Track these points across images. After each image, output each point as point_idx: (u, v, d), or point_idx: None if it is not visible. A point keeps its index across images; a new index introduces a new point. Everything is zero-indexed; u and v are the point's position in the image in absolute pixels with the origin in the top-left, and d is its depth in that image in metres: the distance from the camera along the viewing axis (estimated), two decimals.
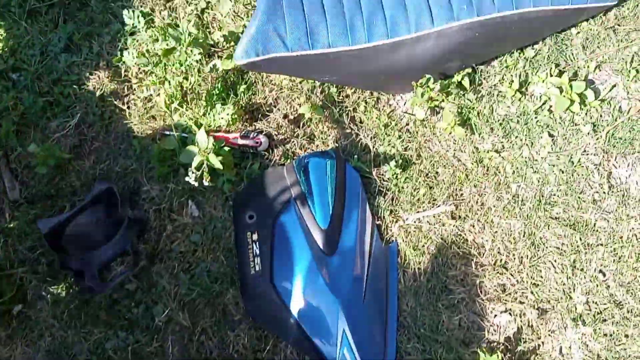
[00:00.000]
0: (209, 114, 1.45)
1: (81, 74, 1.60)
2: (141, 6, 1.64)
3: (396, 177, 1.35)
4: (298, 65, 1.32)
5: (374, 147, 1.39)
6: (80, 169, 1.50)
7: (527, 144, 1.36)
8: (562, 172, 1.33)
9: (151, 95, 1.55)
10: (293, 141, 1.44)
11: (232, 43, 1.41)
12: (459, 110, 1.39)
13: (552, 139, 1.35)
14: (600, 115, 1.36)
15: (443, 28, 1.27)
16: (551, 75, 1.35)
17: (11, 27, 1.70)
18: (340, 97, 1.45)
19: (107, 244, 1.41)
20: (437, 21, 1.27)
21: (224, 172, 1.32)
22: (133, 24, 1.59)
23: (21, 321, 1.39)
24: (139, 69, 1.57)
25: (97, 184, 1.41)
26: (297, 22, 1.27)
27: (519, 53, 1.42)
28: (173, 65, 1.40)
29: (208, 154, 1.22)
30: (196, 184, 1.20)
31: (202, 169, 1.22)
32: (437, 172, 1.37)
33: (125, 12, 1.59)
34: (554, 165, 1.33)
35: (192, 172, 1.19)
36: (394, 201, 1.35)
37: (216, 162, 1.22)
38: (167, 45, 1.39)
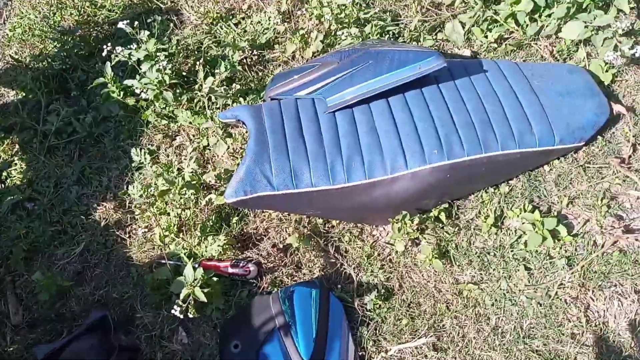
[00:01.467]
0: (202, 244, 1.74)
1: (89, 205, 1.94)
2: (149, 144, 2.02)
3: (379, 307, 1.56)
4: (284, 202, 1.62)
5: (357, 276, 1.63)
6: (81, 295, 1.77)
7: (504, 277, 1.57)
8: (540, 305, 1.53)
9: (151, 225, 1.85)
10: (281, 269, 1.70)
11: (227, 181, 1.74)
12: (438, 242, 1.63)
13: (529, 272, 1.57)
14: (575, 249, 1.59)
15: (416, 170, 1.56)
16: (525, 211, 1.61)
17: (31, 161, 2.09)
18: (326, 228, 1.73)
19: None
20: (411, 163, 1.57)
21: (212, 301, 1.56)
22: (140, 161, 1.95)
23: None
24: (142, 200, 1.90)
25: (93, 312, 1.66)
26: (282, 165, 1.59)
27: (494, 189, 1.70)
28: (172, 200, 1.72)
29: (194, 287, 1.48)
30: (181, 316, 1.43)
31: (188, 301, 1.46)
32: (419, 303, 1.58)
33: (133, 150, 1.97)
34: (531, 298, 1.53)
35: (178, 306, 1.44)
36: (377, 331, 1.55)
37: (201, 295, 1.47)
38: (164, 186, 1.71)
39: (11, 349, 1.71)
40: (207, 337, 1.63)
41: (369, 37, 2.07)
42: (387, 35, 2.09)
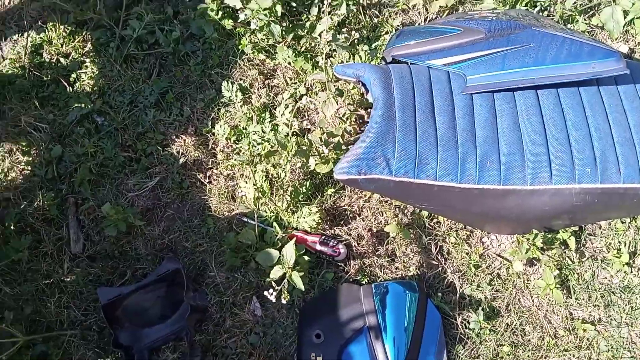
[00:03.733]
0: (292, 212, 1.52)
1: (167, 135, 1.71)
2: (241, 79, 1.75)
3: (480, 327, 1.38)
4: (397, 190, 1.38)
5: (460, 287, 1.44)
6: (149, 236, 1.59)
7: (627, 323, 1.38)
8: None
9: (234, 174, 1.63)
10: (373, 258, 1.50)
11: (330, 147, 1.48)
12: (558, 267, 1.42)
13: None
14: None
15: (561, 187, 1.31)
16: None
17: (105, 66, 1.83)
18: (431, 223, 1.51)
19: (163, 324, 1.48)
20: (557, 179, 1.31)
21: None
22: (229, 97, 1.69)
23: None
24: (227, 143, 1.67)
25: (165, 262, 1.49)
26: (407, 150, 1.34)
27: (632, 219, 1.45)
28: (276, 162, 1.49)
29: (292, 270, 1.28)
30: (274, 300, 1.25)
31: (282, 285, 1.28)
32: (524, 331, 1.40)
33: (224, 83, 1.70)
34: None
35: (273, 289, 1.25)
36: (472, 352, 1.38)
37: (299, 281, 1.28)
38: (261, 146, 1.47)
39: (68, 279, 1.56)
40: (283, 314, 1.47)
41: (515, 6, 1.72)
42: (536, 9, 1.73)
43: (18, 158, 1.74)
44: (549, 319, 1.41)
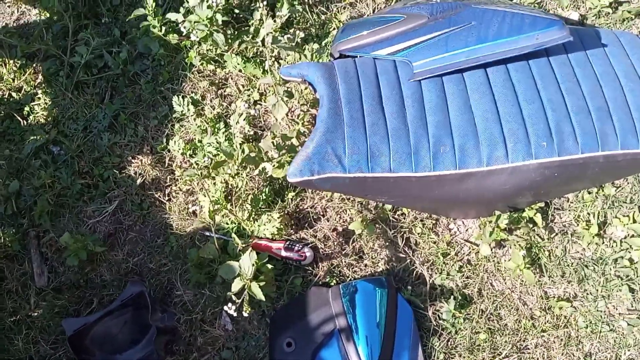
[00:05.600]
0: (253, 220, 1.49)
1: (123, 157, 1.68)
2: (192, 92, 1.72)
3: (454, 316, 1.34)
4: (354, 186, 1.34)
5: (430, 277, 1.40)
6: (113, 261, 1.55)
7: (603, 296, 1.34)
8: None
9: (193, 189, 1.60)
10: (340, 257, 1.46)
11: (284, 151, 1.45)
12: (528, 247, 1.38)
13: (633, 295, 1.33)
14: None
15: (518, 165, 1.28)
16: (635, 221, 1.34)
17: (57, 96, 1.81)
18: (396, 216, 1.47)
19: (133, 349, 1.45)
20: (513, 156, 1.28)
21: (265, 292, 1.34)
22: (182, 111, 1.66)
23: None
24: (184, 158, 1.64)
25: (129, 286, 1.45)
26: (358, 145, 1.31)
27: (598, 189, 1.42)
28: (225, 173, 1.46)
29: (251, 282, 1.25)
30: (235, 314, 1.22)
31: (243, 297, 1.24)
32: (500, 316, 1.36)
33: (175, 98, 1.67)
34: (634, 325, 1.30)
35: (232, 302, 1.22)
36: (449, 344, 1.35)
37: (258, 292, 1.24)
38: (218, 157, 1.44)
39: (35, 314, 1.52)
40: (254, 325, 1.43)
41: None
42: None
43: None
44: (524, 300, 1.37)
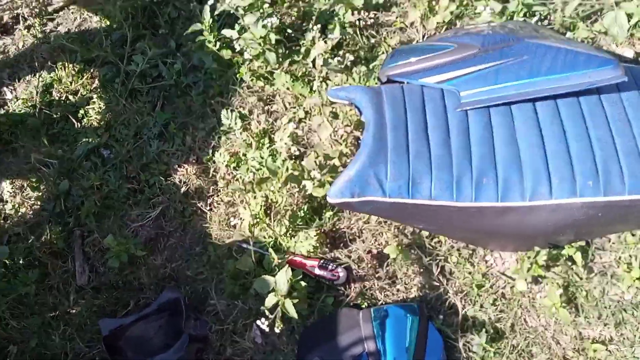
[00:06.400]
0: (290, 236, 1.52)
1: (170, 165, 1.74)
2: (240, 106, 1.78)
3: (484, 349, 1.33)
4: (393, 211, 1.36)
5: (463, 308, 1.39)
6: (152, 265, 1.61)
7: None
8: None
9: (234, 201, 1.65)
10: (373, 280, 1.47)
11: (325, 170, 1.48)
12: (565, 285, 1.36)
13: None
14: None
15: (562, 202, 1.27)
16: None
17: (111, 101, 1.89)
18: (432, 243, 1.48)
19: (165, 354, 1.48)
20: (557, 193, 1.27)
21: (298, 309, 1.36)
22: (229, 125, 1.72)
23: None
24: (228, 171, 1.69)
25: (166, 291, 1.50)
26: (400, 170, 1.32)
27: None
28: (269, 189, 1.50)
29: (285, 298, 1.27)
30: (267, 329, 1.24)
31: (276, 313, 1.27)
32: (531, 353, 1.34)
33: (224, 111, 1.73)
34: None
35: (265, 318, 1.24)
36: None
37: (292, 310, 1.26)
38: (260, 172, 1.48)
39: (74, 311, 1.58)
40: (283, 341, 1.45)
41: (512, 18, 1.71)
42: (535, 19, 1.71)
43: (28, 194, 1.80)
44: (557, 339, 1.35)
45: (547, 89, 1.34)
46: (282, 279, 1.29)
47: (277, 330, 1.25)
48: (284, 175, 1.40)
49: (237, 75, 1.80)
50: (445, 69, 1.47)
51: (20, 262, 1.64)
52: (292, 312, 1.27)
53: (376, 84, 1.67)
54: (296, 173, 1.42)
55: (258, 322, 1.25)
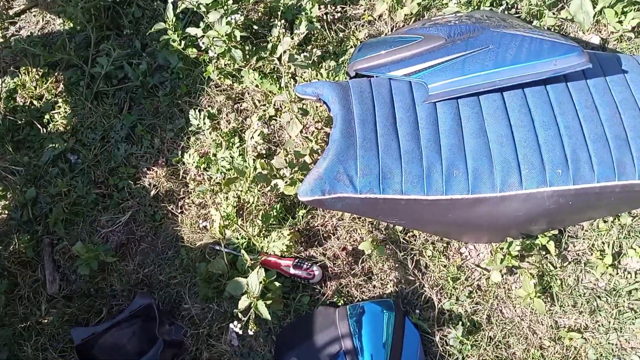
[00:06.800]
0: (264, 236, 1.49)
1: (138, 168, 1.69)
2: (209, 106, 1.73)
3: (461, 342, 1.32)
4: (365, 207, 1.33)
5: (439, 302, 1.38)
6: (124, 271, 1.56)
7: (615, 328, 1.30)
8: None
9: (205, 202, 1.61)
10: (349, 277, 1.45)
11: (296, 168, 1.44)
12: (540, 275, 1.35)
13: None
14: None
15: (532, 192, 1.25)
16: None
17: (77, 105, 1.83)
18: (406, 238, 1.46)
19: None
20: (527, 183, 1.25)
21: (272, 310, 1.33)
22: (198, 125, 1.67)
23: None
24: (198, 172, 1.64)
25: (138, 297, 1.46)
26: (370, 166, 1.30)
27: (614, 218, 1.38)
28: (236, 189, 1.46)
29: (258, 300, 1.24)
30: (240, 332, 1.21)
31: (249, 315, 1.23)
32: (508, 344, 1.33)
33: (192, 112, 1.68)
34: None
35: (238, 320, 1.21)
36: None
37: (265, 311, 1.23)
38: (230, 172, 1.44)
39: (46, 320, 1.53)
40: (260, 342, 1.42)
41: (479, 7, 1.69)
42: (501, 8, 1.69)
43: None
44: (534, 329, 1.34)
45: (513, 77, 1.32)
46: (254, 280, 1.26)
47: (250, 333, 1.22)
48: (252, 175, 1.36)
49: (205, 74, 1.75)
50: (413, 62, 1.44)
51: None
52: (265, 314, 1.24)
53: (345, 78, 1.64)
54: (265, 172, 1.38)
55: (231, 325, 1.22)
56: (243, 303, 1.26)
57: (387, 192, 1.30)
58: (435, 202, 1.29)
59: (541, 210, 1.27)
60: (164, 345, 1.38)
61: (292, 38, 1.62)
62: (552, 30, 1.66)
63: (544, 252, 1.36)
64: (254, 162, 1.50)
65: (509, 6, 1.71)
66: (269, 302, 1.26)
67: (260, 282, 1.27)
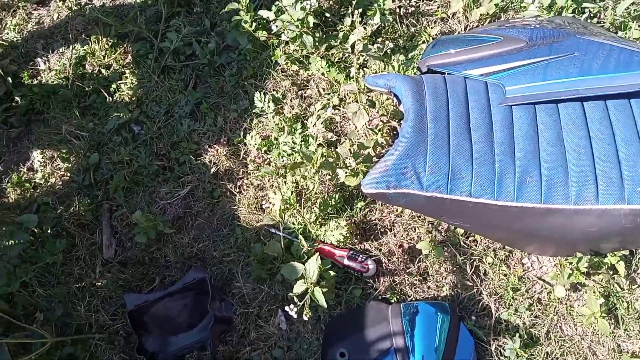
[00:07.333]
0: (320, 224, 1.46)
1: (200, 145, 1.68)
2: (274, 90, 1.70)
3: (517, 355, 1.26)
4: (429, 205, 1.28)
5: (496, 311, 1.32)
6: (179, 244, 1.55)
7: None
8: None
9: (263, 184, 1.58)
10: (403, 275, 1.41)
11: (359, 159, 1.40)
12: (605, 294, 1.28)
13: None
14: None
15: (608, 208, 1.18)
16: None
17: (143, 77, 1.83)
18: (467, 242, 1.40)
19: (188, 333, 1.44)
20: (603, 198, 1.18)
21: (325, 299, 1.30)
22: (262, 107, 1.65)
23: None
24: (258, 154, 1.62)
25: (192, 270, 1.45)
26: (439, 164, 1.25)
27: None
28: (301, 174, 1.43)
29: (314, 286, 1.21)
30: (295, 316, 1.19)
31: (304, 300, 1.21)
32: None
33: (257, 94, 1.66)
34: None
35: (294, 305, 1.19)
36: None
37: (321, 298, 1.20)
38: (292, 157, 1.42)
39: (99, 283, 1.54)
40: (308, 329, 1.39)
41: (560, 13, 1.61)
42: (584, 16, 1.61)
43: (58, 164, 1.75)
44: (594, 350, 1.27)
45: (599, 88, 1.25)
46: (312, 266, 1.23)
47: (305, 318, 1.19)
48: (318, 161, 1.33)
49: (273, 58, 1.72)
50: (491, 62, 1.38)
51: (49, 231, 1.60)
52: (322, 301, 1.21)
53: (415, 73, 1.59)
54: (330, 160, 1.34)
55: (286, 308, 1.19)
56: (299, 287, 1.24)
57: (455, 192, 1.25)
58: (504, 208, 1.24)
59: (616, 228, 1.20)
60: (214, 320, 1.37)
61: (365, 28, 1.58)
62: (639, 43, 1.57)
63: (612, 272, 1.29)
64: (318, 149, 1.47)
65: (592, 15, 1.63)
66: (324, 290, 1.23)
67: (318, 269, 1.24)
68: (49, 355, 1.39)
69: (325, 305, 1.21)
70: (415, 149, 1.26)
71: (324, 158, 1.34)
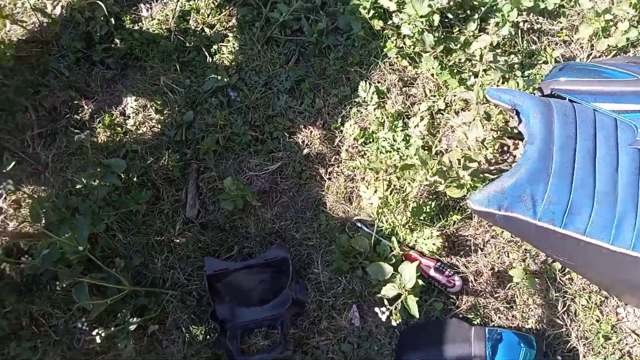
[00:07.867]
0: (411, 229, 1.40)
1: (295, 123, 1.63)
2: (379, 82, 1.64)
3: None
4: (537, 236, 1.21)
5: (584, 356, 1.26)
6: (261, 218, 1.52)
7: None
8: None
9: (354, 176, 1.53)
10: (489, 299, 1.35)
11: (468, 172, 1.33)
12: None
13: None
14: None
15: None
16: None
17: (246, 44, 1.77)
18: (563, 279, 1.33)
19: (261, 308, 1.41)
20: None
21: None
22: (364, 98, 1.59)
23: (152, 342, 1.42)
24: (354, 144, 1.57)
25: (274, 247, 1.41)
26: (559, 195, 1.18)
27: None
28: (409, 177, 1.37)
29: (409, 294, 1.16)
30: (384, 320, 1.14)
31: (396, 305, 1.16)
32: None
33: (362, 83, 1.60)
34: None
35: (386, 308, 1.14)
36: None
37: (414, 307, 1.16)
38: (390, 153, 1.36)
39: (178, 240, 1.52)
40: (382, 331, 1.35)
41: None
42: None
43: (150, 115, 1.72)
44: None
45: None
46: (409, 272, 1.18)
47: (394, 324, 1.15)
48: (435, 168, 1.27)
49: (383, 49, 1.65)
50: (625, 99, 1.29)
51: (135, 179, 1.58)
52: (414, 310, 1.16)
53: (533, 94, 1.50)
54: (444, 169, 1.28)
55: (377, 309, 1.15)
56: (390, 291, 1.19)
57: (568, 227, 1.17)
58: (617, 254, 1.16)
59: None
60: (292, 301, 1.33)
61: (491, 36, 1.49)
62: None
63: None
64: (416, 151, 1.40)
65: None
66: (417, 298, 1.18)
67: (414, 276, 1.19)
68: (124, 303, 1.38)
69: (417, 315, 1.16)
70: (537, 176, 1.19)
71: (441, 166, 1.27)
